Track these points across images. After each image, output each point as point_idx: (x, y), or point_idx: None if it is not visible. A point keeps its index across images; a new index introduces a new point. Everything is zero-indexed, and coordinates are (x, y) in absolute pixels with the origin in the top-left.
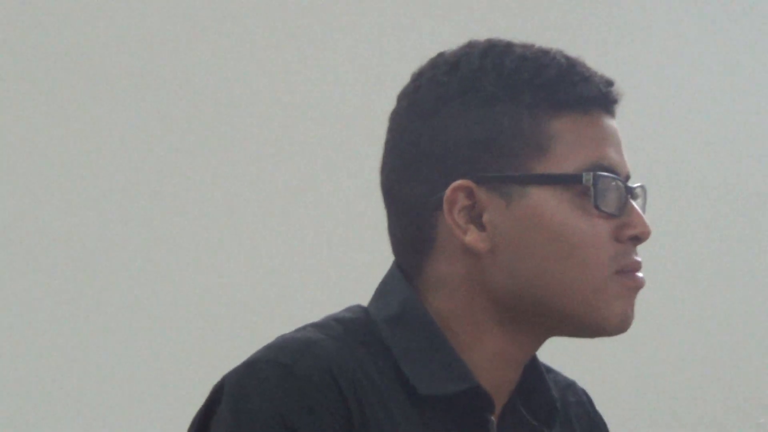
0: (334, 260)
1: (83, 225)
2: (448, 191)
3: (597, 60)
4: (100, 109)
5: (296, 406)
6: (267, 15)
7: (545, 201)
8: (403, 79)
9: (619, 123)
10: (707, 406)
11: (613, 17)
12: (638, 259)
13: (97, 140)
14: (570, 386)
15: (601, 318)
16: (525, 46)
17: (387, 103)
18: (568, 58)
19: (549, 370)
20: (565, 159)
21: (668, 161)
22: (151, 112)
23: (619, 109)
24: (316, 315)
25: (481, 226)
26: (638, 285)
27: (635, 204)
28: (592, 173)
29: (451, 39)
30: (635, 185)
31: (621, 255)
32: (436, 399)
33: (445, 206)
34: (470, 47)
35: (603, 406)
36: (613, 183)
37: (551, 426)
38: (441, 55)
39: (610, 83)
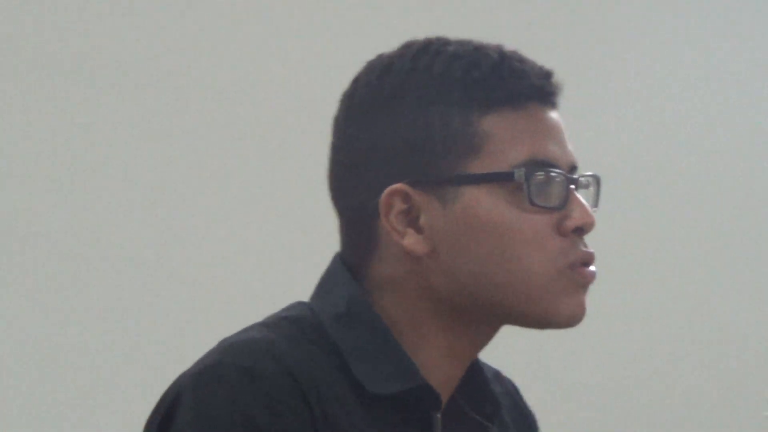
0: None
1: (75, 223)
2: (383, 196)
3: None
4: (93, 105)
5: (262, 410)
6: (270, 12)
7: (480, 200)
8: None
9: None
10: (712, 399)
11: (611, 14)
12: (588, 250)
13: (90, 136)
14: (496, 376)
15: (547, 313)
16: (460, 44)
17: None
18: (501, 54)
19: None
20: (499, 156)
21: (664, 158)
22: (137, 109)
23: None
24: None
25: (419, 229)
26: (587, 280)
27: (580, 195)
28: (524, 169)
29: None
30: (582, 175)
31: (567, 250)
32: (385, 397)
33: (381, 211)
34: (406, 48)
35: (613, 398)
36: (552, 176)
37: (493, 421)
38: (379, 57)
39: (546, 75)
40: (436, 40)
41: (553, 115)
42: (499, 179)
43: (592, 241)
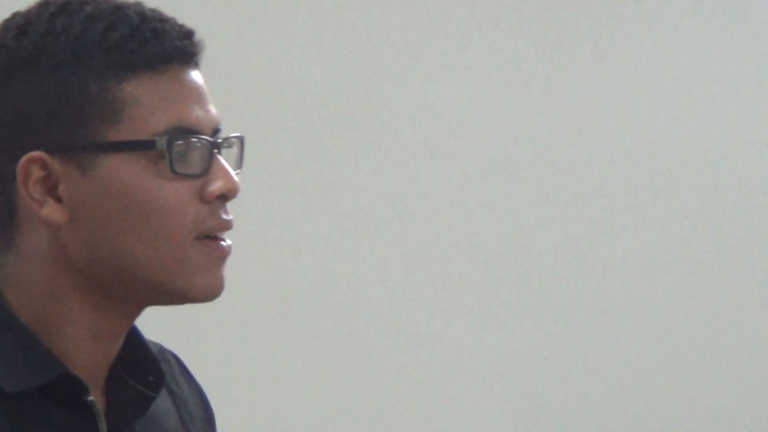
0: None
1: None
2: (20, 164)
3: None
4: None
5: None
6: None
7: (119, 169)
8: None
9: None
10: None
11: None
12: (227, 217)
13: None
14: (160, 350)
15: (185, 287)
16: (99, 3)
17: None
18: (141, 14)
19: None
20: (140, 123)
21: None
22: None
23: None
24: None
25: (59, 198)
26: (222, 255)
27: (225, 158)
28: (166, 137)
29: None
30: (224, 138)
31: (205, 217)
32: (26, 395)
33: (19, 179)
34: (42, 8)
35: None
36: (195, 142)
37: (158, 390)
38: (14, 16)
39: (188, 34)
40: None
41: (195, 75)
42: (139, 147)
43: (592, 237)
